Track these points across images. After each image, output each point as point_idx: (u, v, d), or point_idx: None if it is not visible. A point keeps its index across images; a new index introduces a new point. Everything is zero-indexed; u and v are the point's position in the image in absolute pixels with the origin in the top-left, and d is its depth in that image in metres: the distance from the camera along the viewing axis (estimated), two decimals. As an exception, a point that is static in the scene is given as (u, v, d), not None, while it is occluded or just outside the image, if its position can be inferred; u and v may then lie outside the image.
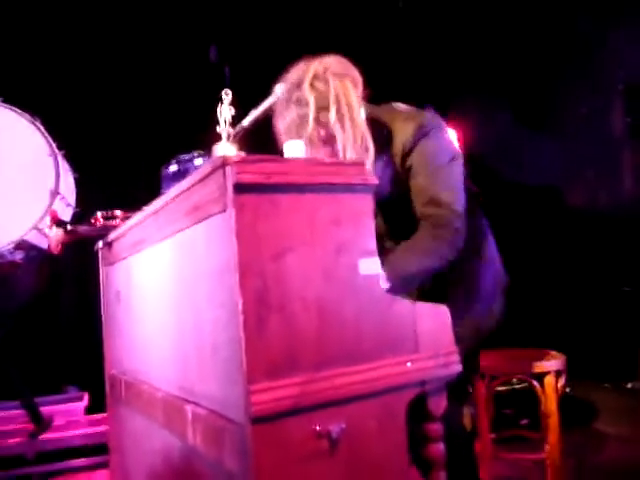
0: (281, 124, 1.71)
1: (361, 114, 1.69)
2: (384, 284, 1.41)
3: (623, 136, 4.31)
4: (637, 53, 3.83)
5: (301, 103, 1.65)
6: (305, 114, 1.63)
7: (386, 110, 1.79)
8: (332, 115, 1.63)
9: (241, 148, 1.65)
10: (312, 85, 1.64)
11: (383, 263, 1.50)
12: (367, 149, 1.68)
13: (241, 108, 1.68)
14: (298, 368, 1.09)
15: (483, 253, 1.84)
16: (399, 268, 1.54)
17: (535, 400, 2.43)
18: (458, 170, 1.73)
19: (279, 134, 1.74)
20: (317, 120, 1.64)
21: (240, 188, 1.08)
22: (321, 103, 1.63)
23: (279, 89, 1.62)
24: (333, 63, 1.70)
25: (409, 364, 1.22)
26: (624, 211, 4.13)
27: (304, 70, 1.68)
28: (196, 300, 1.29)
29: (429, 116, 1.73)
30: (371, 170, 1.55)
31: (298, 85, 1.66)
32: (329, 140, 1.67)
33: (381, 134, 1.70)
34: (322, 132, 1.66)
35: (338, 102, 1.64)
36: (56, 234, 1.84)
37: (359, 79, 1.72)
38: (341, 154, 1.65)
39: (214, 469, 1.21)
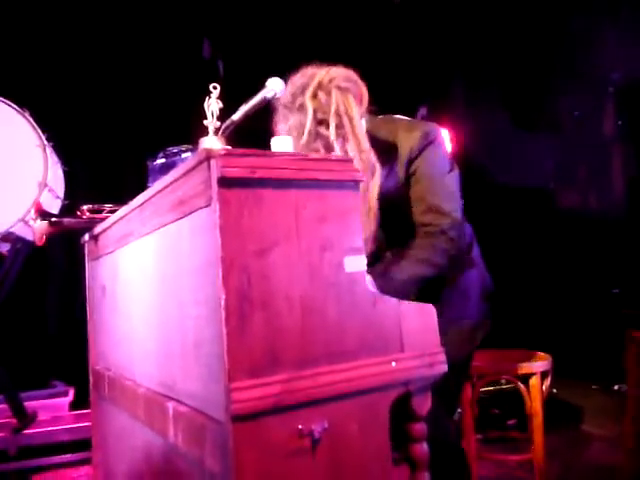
0: (282, 128, 1.68)
1: (363, 129, 1.66)
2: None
3: (614, 138, 4.32)
4: (629, 56, 3.83)
5: (303, 110, 1.62)
6: (305, 123, 1.61)
7: (387, 120, 1.79)
8: (332, 130, 1.61)
9: (230, 143, 1.63)
10: (315, 94, 1.62)
11: (382, 274, 1.52)
12: (372, 166, 1.64)
13: (235, 102, 1.65)
14: (281, 366, 1.08)
15: (471, 259, 1.84)
16: (392, 277, 1.56)
17: (522, 401, 2.43)
18: (457, 179, 1.75)
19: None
20: (316, 132, 1.62)
21: (225, 182, 1.06)
22: (321, 115, 1.61)
23: (274, 85, 1.57)
24: (340, 76, 1.66)
25: (394, 364, 1.21)
26: (614, 213, 4.14)
27: (310, 76, 1.66)
28: (180, 295, 1.28)
29: (432, 126, 1.75)
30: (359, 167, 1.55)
31: (302, 91, 1.63)
32: (329, 152, 1.63)
33: (383, 145, 1.68)
34: (321, 144, 1.63)
35: (339, 116, 1.61)
36: (40, 226, 1.81)
37: (365, 95, 1.70)
38: None
39: (195, 468, 1.19)
